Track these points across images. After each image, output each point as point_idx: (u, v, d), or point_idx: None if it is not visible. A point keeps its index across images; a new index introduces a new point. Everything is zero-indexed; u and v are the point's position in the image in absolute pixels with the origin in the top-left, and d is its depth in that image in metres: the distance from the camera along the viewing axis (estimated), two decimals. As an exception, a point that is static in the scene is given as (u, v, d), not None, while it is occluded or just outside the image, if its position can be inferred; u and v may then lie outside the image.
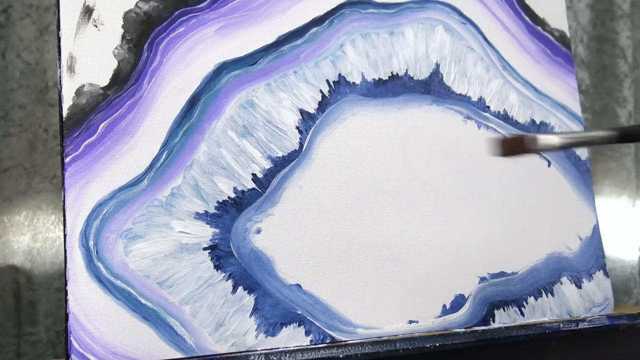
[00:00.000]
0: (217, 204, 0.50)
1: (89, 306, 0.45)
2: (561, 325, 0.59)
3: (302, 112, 0.54)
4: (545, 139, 0.39)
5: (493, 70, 0.64)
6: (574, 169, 0.66)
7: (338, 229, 0.53)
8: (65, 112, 0.47)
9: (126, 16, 0.50)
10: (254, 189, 0.51)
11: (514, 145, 0.39)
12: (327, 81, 0.55)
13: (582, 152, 0.67)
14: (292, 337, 0.50)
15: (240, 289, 0.49)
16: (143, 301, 0.46)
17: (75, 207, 0.46)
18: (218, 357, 0.47)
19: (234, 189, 0.50)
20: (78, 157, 0.46)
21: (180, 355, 0.46)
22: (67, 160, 0.46)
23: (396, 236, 0.55)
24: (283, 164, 0.52)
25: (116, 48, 0.49)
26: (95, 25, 0.49)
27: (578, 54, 0.89)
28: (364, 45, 0.57)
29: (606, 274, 0.65)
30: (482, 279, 0.58)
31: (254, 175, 0.51)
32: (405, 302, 0.55)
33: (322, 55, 0.55)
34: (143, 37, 0.50)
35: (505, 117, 0.63)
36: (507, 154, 0.40)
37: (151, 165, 0.48)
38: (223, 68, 0.52)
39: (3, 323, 0.62)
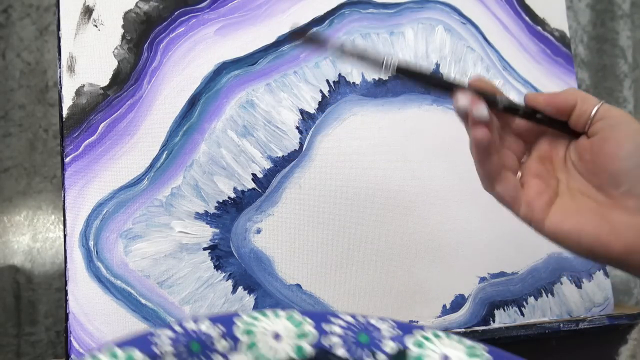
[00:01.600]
0: (217, 204, 0.50)
1: (89, 306, 0.45)
2: (561, 325, 0.59)
3: (302, 112, 0.54)
4: (333, 43, 0.37)
5: (493, 70, 0.64)
6: (574, 169, 0.65)
7: (338, 229, 0.53)
8: (65, 112, 0.47)
9: (126, 16, 0.50)
10: (254, 189, 0.51)
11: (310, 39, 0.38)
12: (327, 81, 0.55)
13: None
14: (292, 337, 0.50)
15: (240, 289, 0.49)
16: (143, 301, 0.46)
17: (75, 207, 0.46)
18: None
19: (234, 189, 0.50)
20: (78, 157, 0.46)
21: (180, 355, 0.46)
22: (67, 160, 0.46)
23: (396, 236, 0.55)
24: (283, 164, 0.52)
25: (116, 48, 0.49)
26: (95, 25, 0.49)
27: (578, 54, 0.89)
28: (364, 45, 0.57)
29: (606, 274, 0.65)
30: (482, 279, 0.58)
31: (254, 175, 0.51)
32: (405, 302, 0.55)
33: (322, 55, 0.55)
34: (143, 37, 0.50)
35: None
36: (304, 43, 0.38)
37: (151, 165, 0.48)
38: (223, 68, 0.52)
39: (3, 323, 0.62)
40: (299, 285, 0.51)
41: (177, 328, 0.36)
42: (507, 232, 0.60)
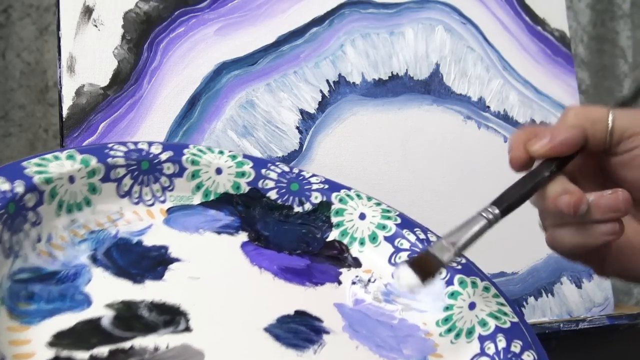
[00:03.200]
0: (217, 204, 0.50)
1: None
2: (561, 325, 0.59)
3: (302, 112, 0.54)
4: (445, 261, 0.33)
5: (493, 70, 0.64)
6: (574, 169, 0.65)
7: (338, 229, 0.53)
8: (65, 112, 0.47)
9: (126, 16, 0.50)
10: (254, 189, 0.51)
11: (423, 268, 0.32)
12: (327, 81, 0.55)
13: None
14: (292, 337, 0.50)
15: (240, 289, 0.49)
16: (143, 301, 0.46)
17: (75, 207, 0.46)
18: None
19: (234, 189, 0.50)
20: (78, 157, 0.46)
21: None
22: (67, 160, 0.46)
23: (396, 236, 0.55)
24: (283, 164, 0.52)
25: (116, 48, 0.49)
26: (95, 25, 0.49)
27: (578, 54, 0.89)
28: (364, 45, 0.57)
29: (606, 274, 0.65)
30: (482, 279, 0.58)
31: (254, 175, 0.51)
32: (405, 302, 0.54)
33: (322, 55, 0.55)
34: (143, 37, 0.50)
35: (505, 117, 0.63)
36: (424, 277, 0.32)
37: (151, 165, 0.48)
38: (223, 68, 0.52)
39: (3, 323, 0.62)
40: (299, 285, 0.51)
41: (131, 146, 0.39)
42: (507, 232, 0.60)
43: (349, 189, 0.44)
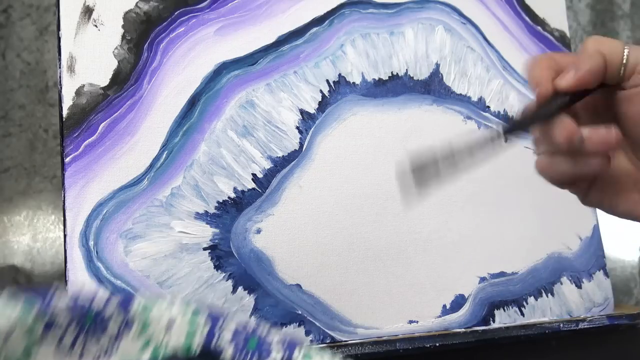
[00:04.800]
0: (217, 204, 0.50)
1: (89, 306, 0.45)
2: (561, 325, 0.58)
3: (302, 112, 0.54)
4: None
5: (493, 70, 0.64)
6: (574, 169, 0.65)
7: (338, 229, 0.53)
8: (65, 112, 0.47)
9: (126, 16, 0.50)
10: (254, 189, 0.51)
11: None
12: (327, 81, 0.55)
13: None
14: (292, 337, 0.50)
15: (240, 289, 0.49)
16: (143, 301, 0.46)
17: (75, 207, 0.46)
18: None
19: (234, 189, 0.50)
20: (78, 157, 0.46)
21: (180, 355, 0.46)
22: (67, 160, 0.46)
23: (396, 236, 0.55)
24: (283, 164, 0.52)
25: (116, 48, 0.49)
26: (95, 25, 0.49)
27: (578, 54, 0.89)
28: (364, 45, 0.57)
29: (606, 274, 0.65)
30: (482, 279, 0.58)
31: (254, 175, 0.51)
32: (405, 302, 0.55)
33: (322, 55, 0.55)
34: (143, 37, 0.50)
35: (505, 117, 0.63)
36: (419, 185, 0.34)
37: (151, 165, 0.48)
38: (223, 68, 0.52)
39: (3, 323, 0.62)
40: (299, 285, 0.51)
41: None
42: (507, 232, 0.60)
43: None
